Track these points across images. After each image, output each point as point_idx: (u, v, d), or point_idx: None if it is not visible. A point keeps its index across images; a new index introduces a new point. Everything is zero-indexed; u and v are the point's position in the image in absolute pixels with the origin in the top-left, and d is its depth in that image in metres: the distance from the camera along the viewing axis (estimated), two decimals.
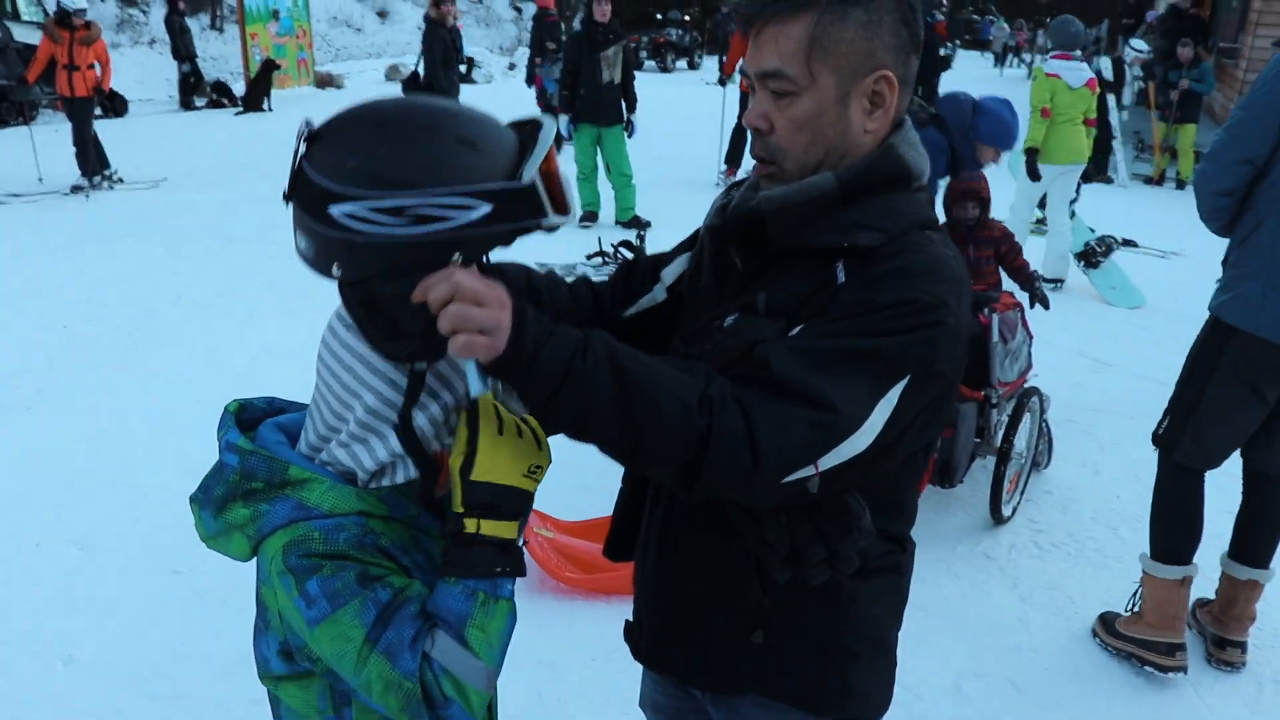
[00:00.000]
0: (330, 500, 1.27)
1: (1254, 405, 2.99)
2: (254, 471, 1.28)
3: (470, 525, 1.23)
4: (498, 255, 1.32)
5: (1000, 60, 33.34)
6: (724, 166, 11.39)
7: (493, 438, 1.24)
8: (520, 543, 1.30)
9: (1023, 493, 4.20)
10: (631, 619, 1.67)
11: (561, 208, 1.25)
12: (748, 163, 2.06)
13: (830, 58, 1.31)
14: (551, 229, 1.26)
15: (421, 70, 10.52)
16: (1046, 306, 4.67)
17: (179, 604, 3.41)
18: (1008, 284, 4.70)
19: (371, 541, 1.27)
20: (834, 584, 1.40)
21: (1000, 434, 3.98)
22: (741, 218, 1.41)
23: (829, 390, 1.22)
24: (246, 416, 1.39)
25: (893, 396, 1.26)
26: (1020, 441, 4.06)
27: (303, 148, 1.21)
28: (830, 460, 1.25)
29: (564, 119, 9.29)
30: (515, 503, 1.25)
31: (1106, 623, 3.34)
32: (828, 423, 1.22)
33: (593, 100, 9.02)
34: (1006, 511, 4.03)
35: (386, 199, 1.14)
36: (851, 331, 1.26)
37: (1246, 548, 3.22)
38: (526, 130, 1.25)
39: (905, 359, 1.26)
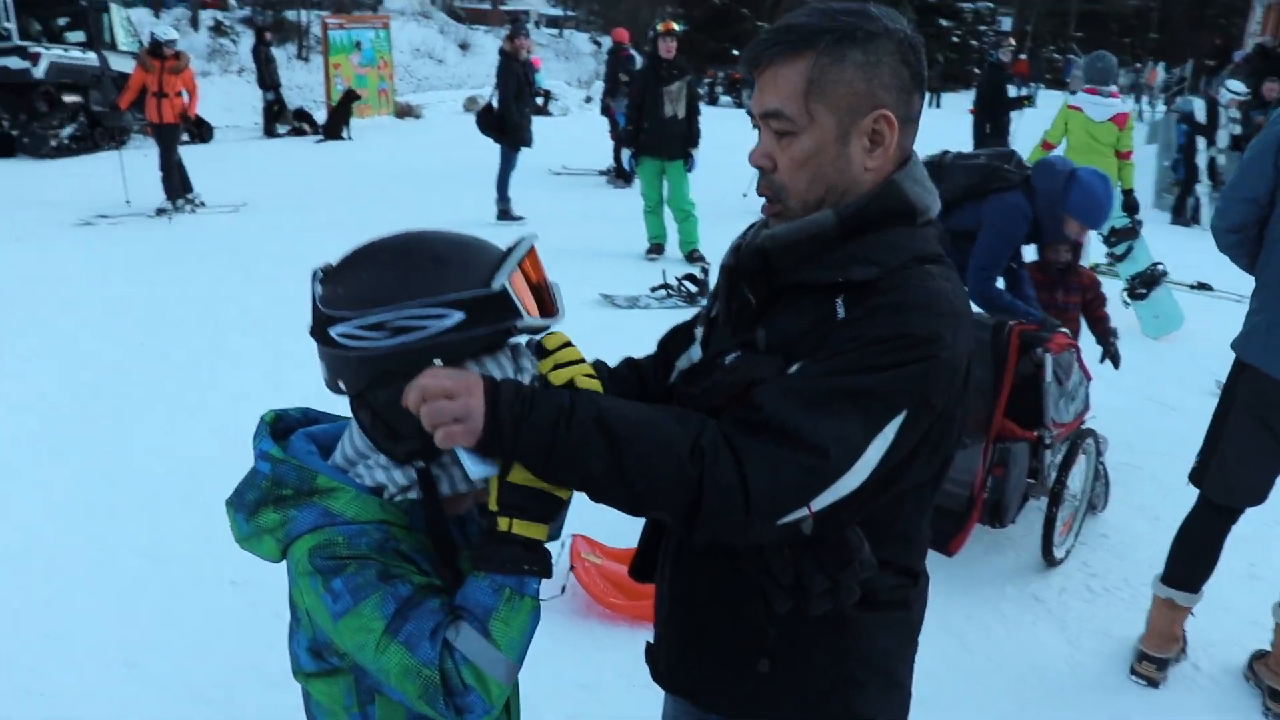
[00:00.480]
0: (354, 509, 1.33)
1: (1266, 440, 3.01)
2: (284, 479, 1.37)
3: (503, 524, 1.29)
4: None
5: None
6: None
7: None
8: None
9: (1077, 535, 4.15)
10: (651, 640, 1.71)
11: (546, 311, 1.35)
12: None
13: (829, 98, 1.35)
14: (532, 331, 1.34)
15: (495, 102, 10.73)
16: (1117, 365, 4.64)
17: (235, 615, 3.52)
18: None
19: (392, 546, 1.33)
20: (839, 615, 1.41)
21: (1053, 475, 3.94)
22: (751, 255, 1.45)
23: (820, 432, 1.25)
24: (282, 426, 1.47)
25: (888, 433, 1.29)
26: (1074, 483, 4.02)
27: (318, 288, 1.35)
28: (823, 500, 1.28)
29: (627, 153, 9.44)
30: (546, 506, 1.31)
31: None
32: (818, 466, 1.25)
33: (656, 134, 9.13)
34: (1059, 554, 3.98)
35: (368, 316, 1.28)
36: (845, 368, 1.28)
37: None
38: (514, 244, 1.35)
39: (899, 395, 1.28)
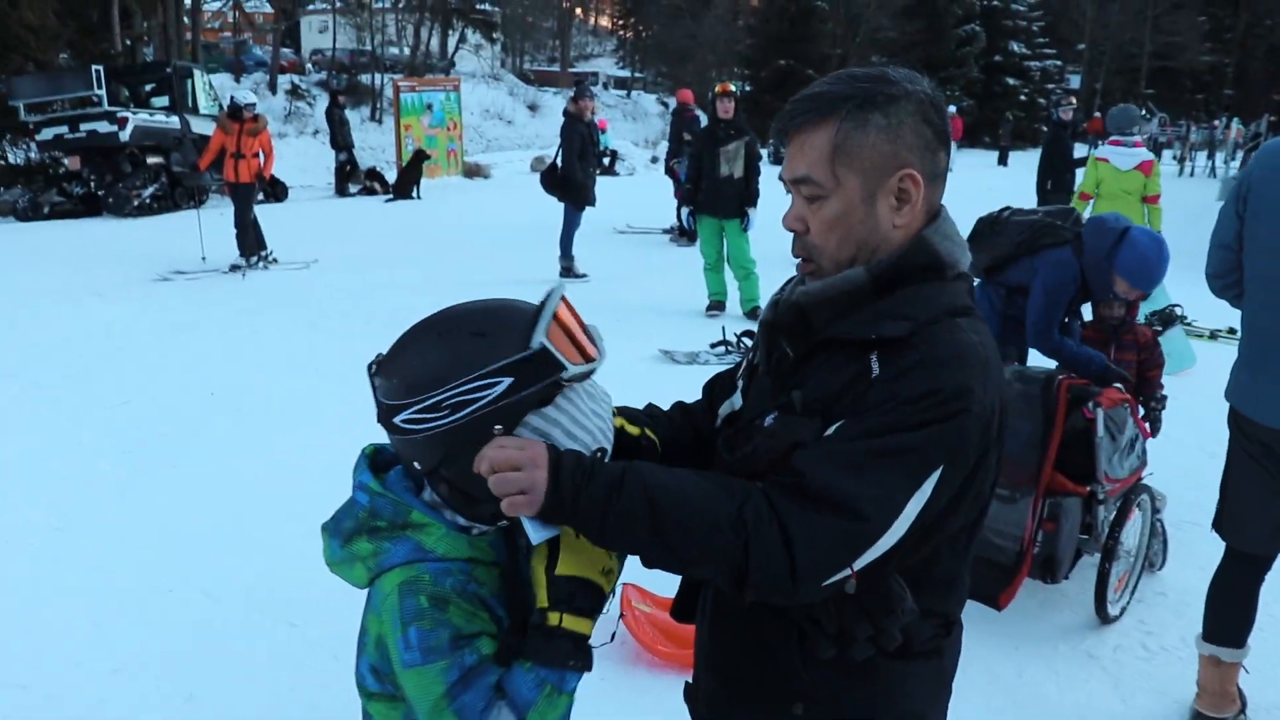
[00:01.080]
0: (444, 545, 1.43)
1: (1265, 480, 3.05)
2: (380, 511, 1.46)
3: (553, 619, 1.39)
4: (617, 359, 1.47)
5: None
6: None
7: (571, 539, 1.41)
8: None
9: (1133, 593, 4.09)
10: (690, 680, 1.75)
11: (587, 356, 1.43)
12: None
13: (854, 161, 1.41)
14: (579, 378, 1.42)
15: (560, 162, 10.95)
16: (1155, 432, 4.57)
17: (292, 654, 3.61)
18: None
19: (473, 591, 1.43)
20: (873, 663, 1.45)
21: (1106, 530, 3.90)
22: (788, 311, 1.52)
23: (861, 496, 1.30)
24: (380, 460, 1.56)
25: (926, 489, 1.33)
26: (1129, 539, 3.97)
27: (375, 381, 1.45)
28: (865, 560, 1.33)
29: (685, 210, 9.57)
30: (592, 598, 1.42)
31: None
32: (860, 530, 1.31)
33: (712, 193, 9.23)
34: (1114, 611, 3.93)
35: (425, 399, 1.36)
36: (881, 429, 1.32)
37: None
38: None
39: (935, 451, 1.33)
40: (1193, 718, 3.30)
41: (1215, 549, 4.59)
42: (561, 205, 11.02)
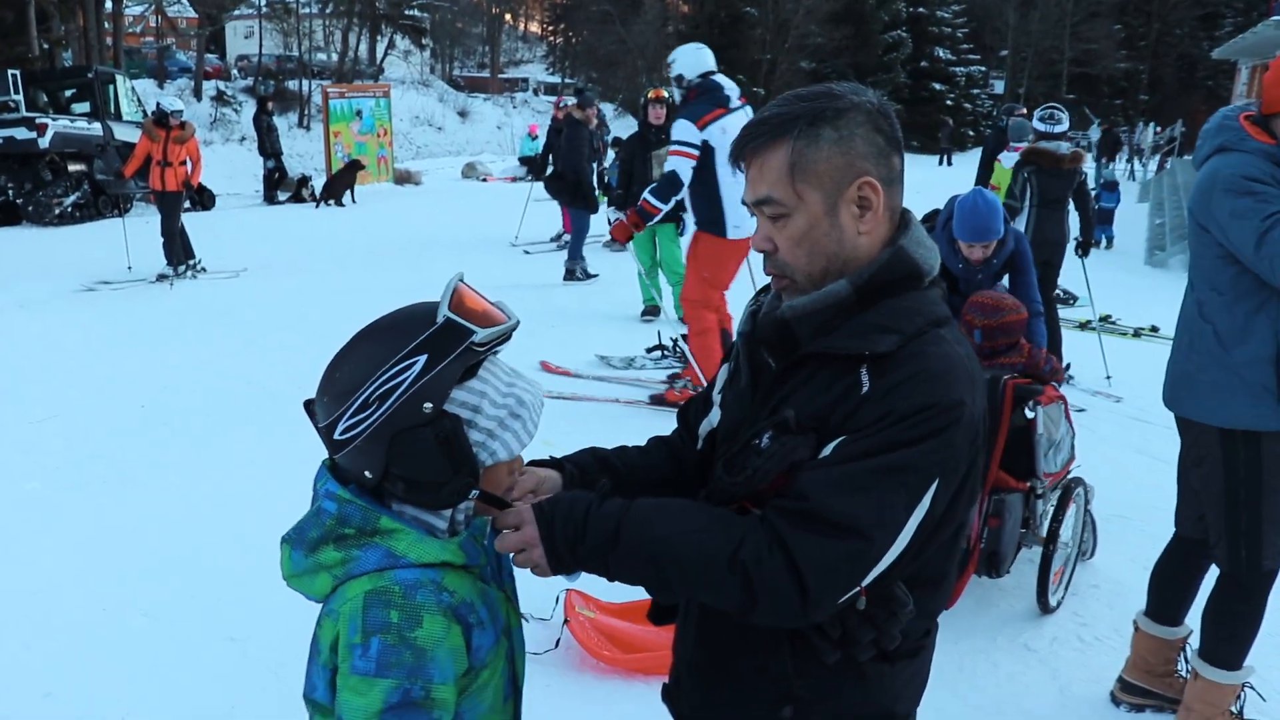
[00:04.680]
0: (417, 550, 1.43)
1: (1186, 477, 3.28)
2: (349, 518, 1.45)
3: None
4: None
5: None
6: None
7: None
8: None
9: (1068, 585, 4.18)
10: (669, 682, 1.75)
11: (485, 321, 1.45)
12: None
13: (811, 177, 1.45)
14: (489, 343, 1.44)
15: (566, 168, 11.23)
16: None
17: (233, 672, 3.53)
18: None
19: (446, 602, 1.42)
20: (859, 665, 1.49)
21: (1046, 523, 3.99)
22: (771, 325, 1.54)
23: (866, 516, 1.34)
24: (339, 475, 1.53)
25: (925, 502, 1.38)
26: (1065, 531, 4.06)
27: (313, 418, 1.50)
28: (872, 576, 1.38)
29: (614, 213, 9.55)
30: None
31: None
32: (867, 550, 1.35)
33: None
34: (1052, 601, 4.01)
35: (354, 401, 1.41)
36: (879, 448, 1.36)
37: None
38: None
39: (933, 464, 1.38)
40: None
41: (1147, 542, 4.71)
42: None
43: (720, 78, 6.29)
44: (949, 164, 33.88)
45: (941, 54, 49.86)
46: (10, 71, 16.77)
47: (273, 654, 3.56)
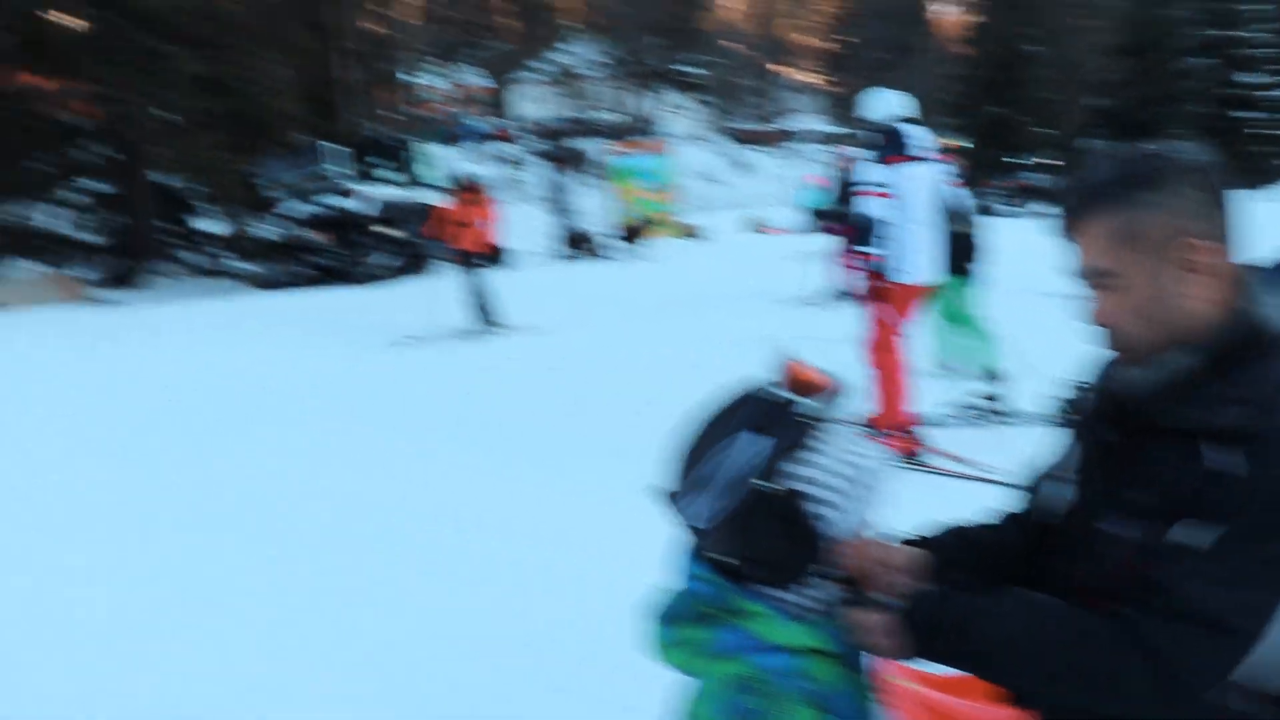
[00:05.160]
0: (782, 635, 1.40)
1: None
2: (708, 597, 1.44)
3: None
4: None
5: None
6: None
7: None
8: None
9: None
10: None
11: (815, 391, 1.44)
12: None
13: (1136, 243, 1.43)
14: (818, 415, 1.41)
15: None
16: None
17: None
18: None
19: (812, 690, 1.37)
20: None
21: None
22: (1112, 399, 1.52)
23: (1238, 612, 1.28)
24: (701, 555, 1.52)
25: None
26: None
27: (677, 513, 1.48)
28: (1240, 671, 1.30)
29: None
30: None
31: None
32: (1238, 645, 1.28)
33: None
34: None
35: (704, 489, 1.40)
36: (1251, 534, 1.28)
37: None
38: None
39: None
40: None
41: None
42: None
43: (907, 125, 6.17)
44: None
45: (1245, 79, 45.70)
46: (343, 148, 18.35)
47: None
